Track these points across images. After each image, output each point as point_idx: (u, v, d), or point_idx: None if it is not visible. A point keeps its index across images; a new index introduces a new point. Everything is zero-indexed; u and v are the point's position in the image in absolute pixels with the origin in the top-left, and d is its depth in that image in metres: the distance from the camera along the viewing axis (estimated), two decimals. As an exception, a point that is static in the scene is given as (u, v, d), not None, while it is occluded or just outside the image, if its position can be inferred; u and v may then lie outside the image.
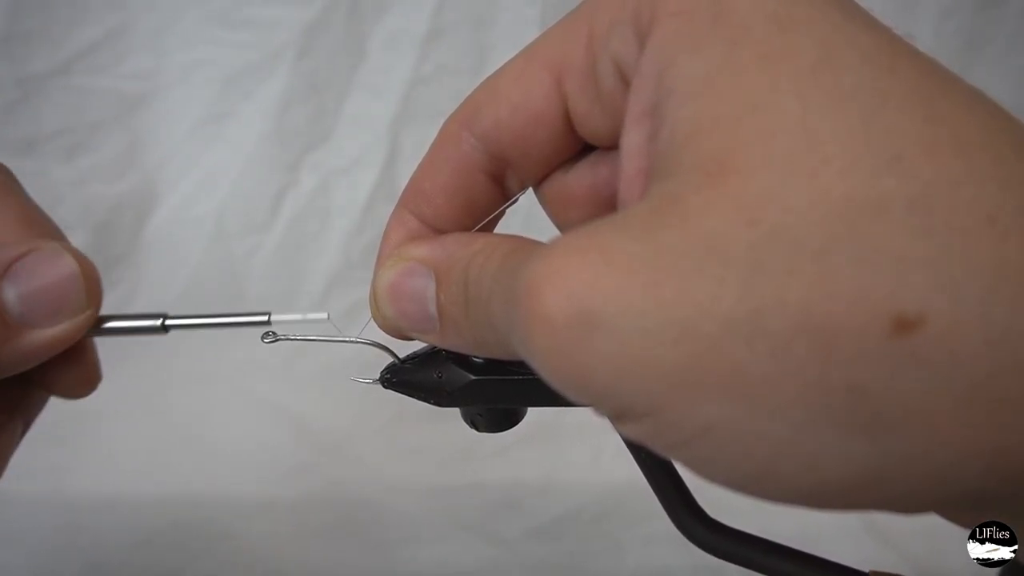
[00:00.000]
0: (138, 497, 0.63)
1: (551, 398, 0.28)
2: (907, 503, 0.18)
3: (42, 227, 0.28)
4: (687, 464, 0.19)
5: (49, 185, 0.76)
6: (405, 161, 0.78)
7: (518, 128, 0.25)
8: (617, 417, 0.19)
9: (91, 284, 0.26)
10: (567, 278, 0.18)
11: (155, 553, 0.59)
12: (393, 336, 0.27)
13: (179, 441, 0.68)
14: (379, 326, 0.27)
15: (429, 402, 0.29)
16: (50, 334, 0.26)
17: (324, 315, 0.28)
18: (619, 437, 0.29)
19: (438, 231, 0.27)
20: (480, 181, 0.26)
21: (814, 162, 0.17)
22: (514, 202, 0.28)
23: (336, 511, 0.63)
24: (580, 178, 0.26)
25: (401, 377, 0.29)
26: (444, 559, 0.59)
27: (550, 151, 0.25)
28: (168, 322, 0.28)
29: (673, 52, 0.20)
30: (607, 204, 0.26)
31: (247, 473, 0.66)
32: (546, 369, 0.19)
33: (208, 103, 0.78)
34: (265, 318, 0.28)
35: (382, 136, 0.78)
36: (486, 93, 0.25)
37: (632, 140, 0.21)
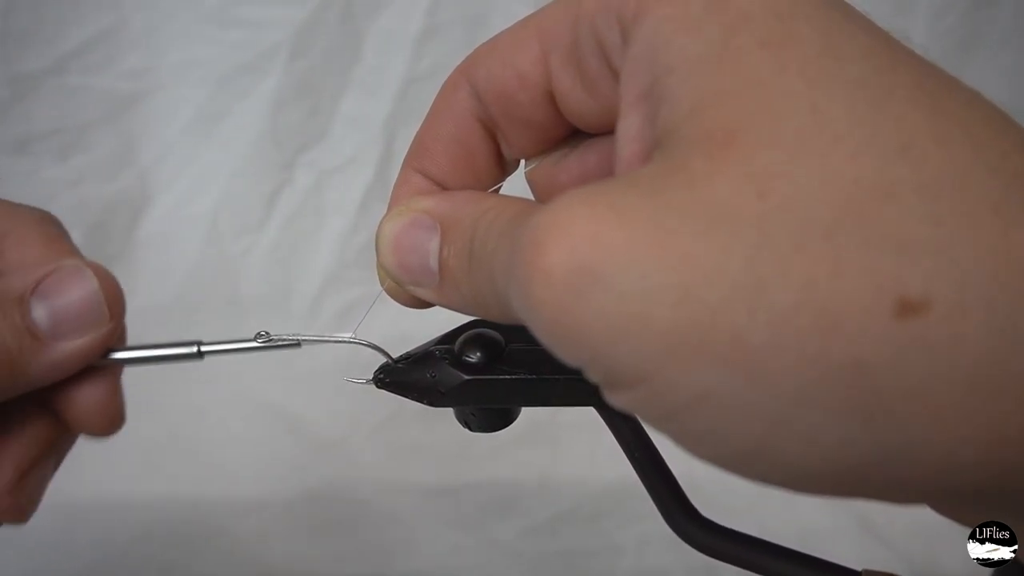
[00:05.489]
0: (134, 496, 0.63)
1: (545, 398, 0.28)
2: (902, 491, 0.18)
3: (63, 249, 0.30)
4: (678, 438, 0.19)
5: (42, 185, 0.75)
6: (400, 160, 0.78)
7: (504, 84, 0.25)
8: (610, 382, 0.19)
9: (111, 299, 0.29)
10: (571, 230, 0.17)
11: (151, 551, 0.59)
12: (393, 295, 0.26)
13: (175, 440, 0.68)
14: (380, 280, 0.27)
15: (422, 402, 0.29)
16: (75, 346, 0.28)
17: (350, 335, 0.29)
18: (613, 437, 0.29)
19: (443, 188, 0.27)
20: (478, 132, 0.26)
21: (824, 142, 0.17)
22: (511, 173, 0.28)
23: (331, 511, 0.63)
24: (569, 168, 0.26)
25: (395, 377, 0.29)
26: (439, 559, 0.59)
27: (531, 118, 0.25)
28: (204, 348, 0.30)
29: (668, 33, 0.20)
30: None
31: (243, 472, 0.66)
32: (541, 322, 0.18)
33: (202, 102, 0.78)
34: (296, 341, 0.29)
35: (377, 135, 0.78)
36: (486, 47, 0.25)
37: (629, 124, 0.21)
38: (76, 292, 0.28)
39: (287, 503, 0.63)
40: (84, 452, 0.66)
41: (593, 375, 0.19)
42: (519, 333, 0.29)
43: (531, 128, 0.26)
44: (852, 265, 0.16)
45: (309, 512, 0.62)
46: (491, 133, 0.27)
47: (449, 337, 0.30)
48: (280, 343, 0.29)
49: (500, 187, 0.28)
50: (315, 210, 0.80)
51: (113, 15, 0.75)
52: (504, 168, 0.28)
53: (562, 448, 0.66)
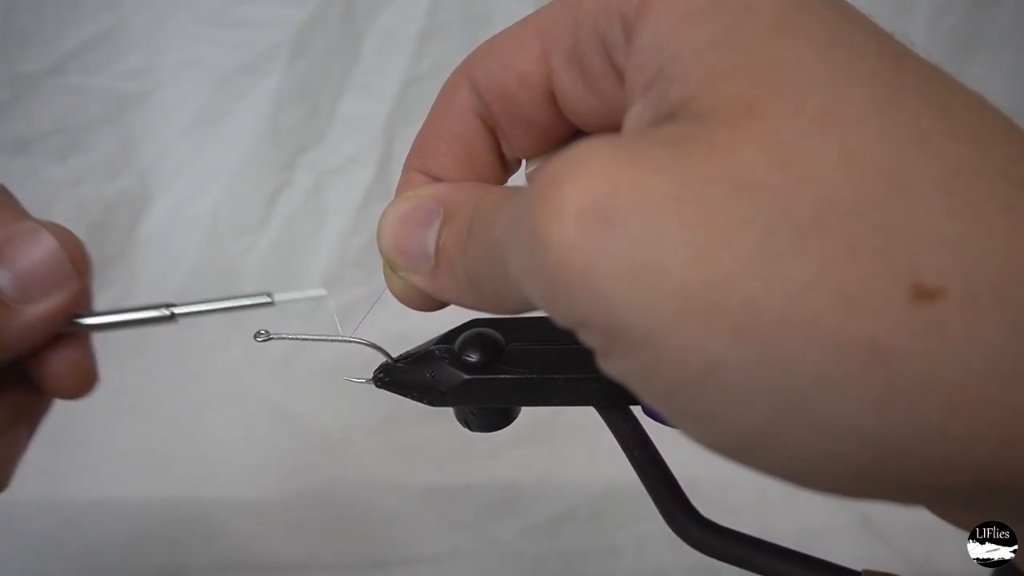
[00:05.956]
0: (133, 495, 0.63)
1: (545, 397, 0.28)
2: (908, 490, 0.18)
3: (17, 213, 0.29)
4: (678, 416, 0.18)
5: (42, 185, 0.75)
6: (400, 160, 0.78)
7: (505, 84, 0.25)
8: (610, 343, 0.18)
9: (75, 256, 0.28)
10: (590, 170, 0.17)
11: (150, 551, 0.59)
12: (399, 297, 0.26)
13: (174, 440, 0.68)
14: (386, 278, 0.26)
15: (422, 402, 0.29)
16: (45, 308, 0.27)
17: (323, 291, 0.29)
18: (613, 437, 0.29)
19: None
20: (479, 131, 0.26)
21: (845, 122, 0.17)
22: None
23: (331, 510, 0.63)
24: None
25: (394, 377, 0.29)
26: (439, 559, 0.59)
27: (532, 118, 0.25)
28: (176, 310, 0.29)
29: (674, 24, 0.20)
30: None
31: (242, 472, 0.66)
32: (546, 267, 0.17)
33: (202, 103, 0.78)
34: (268, 299, 0.30)
35: (377, 136, 0.78)
36: (486, 46, 0.25)
37: (636, 111, 0.21)
38: (37, 253, 0.27)
39: (286, 503, 0.63)
40: (83, 453, 0.66)
41: (592, 335, 0.18)
42: (519, 332, 0.29)
43: (532, 128, 0.26)
44: (869, 248, 0.16)
45: (308, 512, 0.62)
46: (493, 132, 0.27)
47: (449, 336, 0.30)
48: (253, 303, 0.29)
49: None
50: (315, 210, 0.80)
51: (113, 15, 0.75)
52: (507, 168, 0.28)
53: (562, 448, 0.66)
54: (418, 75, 0.77)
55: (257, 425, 0.70)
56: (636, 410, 0.29)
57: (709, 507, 0.28)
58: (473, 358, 0.28)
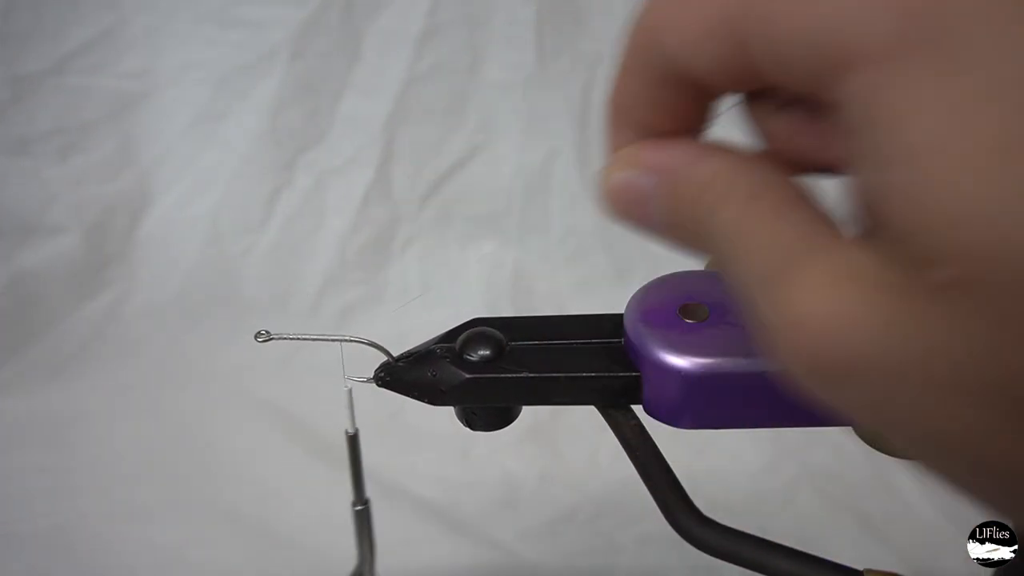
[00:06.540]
0: (134, 495, 0.63)
1: (546, 396, 0.28)
2: None
3: None
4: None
5: (42, 185, 0.75)
6: (400, 161, 0.78)
7: (697, 71, 0.22)
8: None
9: None
10: (830, 321, 0.17)
11: (150, 552, 0.59)
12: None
13: (175, 441, 0.68)
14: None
15: (424, 401, 0.29)
16: None
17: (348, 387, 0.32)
18: (614, 436, 0.29)
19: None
20: (671, 82, 0.24)
21: None
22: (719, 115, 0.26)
23: (330, 511, 0.62)
24: (779, 124, 0.24)
25: (396, 376, 0.29)
26: (439, 559, 0.59)
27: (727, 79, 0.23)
28: None
29: (909, 108, 0.16)
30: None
31: (241, 472, 0.65)
32: (791, 378, 0.19)
33: (202, 103, 0.78)
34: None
35: (376, 136, 0.78)
36: (669, 17, 0.23)
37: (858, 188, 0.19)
38: None
39: (286, 504, 0.63)
40: (82, 454, 0.66)
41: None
42: (520, 331, 0.29)
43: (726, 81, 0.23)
44: None
45: (307, 512, 0.62)
46: (686, 82, 0.23)
47: (450, 336, 0.30)
48: None
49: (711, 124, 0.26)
50: (315, 211, 0.80)
51: (113, 15, 0.75)
52: (705, 112, 0.25)
53: (562, 448, 0.66)
54: (418, 75, 0.77)
55: (258, 426, 0.69)
56: (637, 409, 0.29)
57: (710, 506, 0.28)
58: (474, 357, 0.28)
